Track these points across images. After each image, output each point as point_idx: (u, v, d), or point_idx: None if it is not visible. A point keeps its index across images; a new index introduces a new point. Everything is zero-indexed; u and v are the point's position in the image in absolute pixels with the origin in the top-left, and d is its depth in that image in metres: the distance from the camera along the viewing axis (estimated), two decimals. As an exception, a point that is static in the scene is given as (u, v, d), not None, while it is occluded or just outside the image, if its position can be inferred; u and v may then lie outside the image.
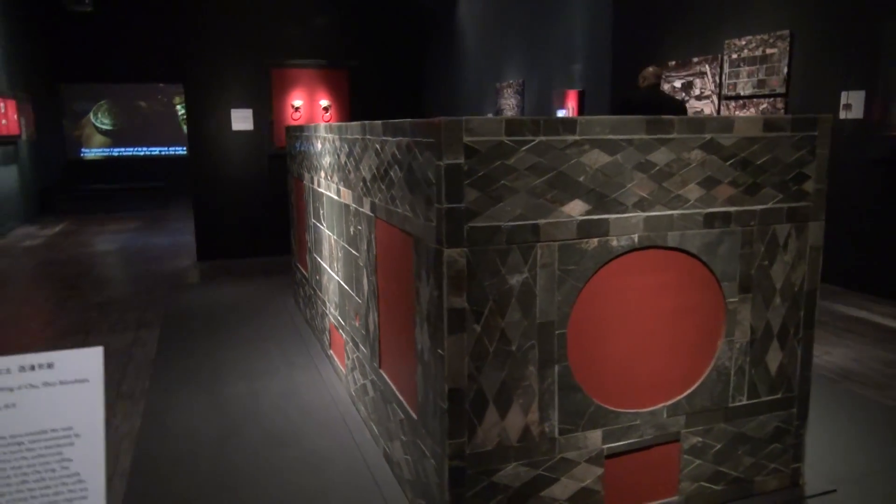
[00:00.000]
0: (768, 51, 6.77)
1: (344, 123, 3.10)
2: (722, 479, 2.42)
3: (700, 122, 2.17)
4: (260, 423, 3.11)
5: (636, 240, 2.15)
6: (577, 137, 2.03)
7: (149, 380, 3.76)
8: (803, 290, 2.41)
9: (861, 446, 2.86)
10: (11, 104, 9.65)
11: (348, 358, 3.32)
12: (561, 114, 10.16)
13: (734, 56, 7.19)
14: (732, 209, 2.26)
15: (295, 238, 5.03)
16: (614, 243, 2.13)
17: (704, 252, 2.25)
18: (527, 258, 2.03)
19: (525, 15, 11.23)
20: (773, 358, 2.41)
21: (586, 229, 2.09)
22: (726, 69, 7.30)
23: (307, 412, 3.22)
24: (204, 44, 7.24)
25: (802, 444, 2.52)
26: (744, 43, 7.04)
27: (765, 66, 6.83)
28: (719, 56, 7.37)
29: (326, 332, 3.87)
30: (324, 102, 7.82)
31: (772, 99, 6.73)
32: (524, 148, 1.98)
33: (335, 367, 3.70)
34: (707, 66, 7.59)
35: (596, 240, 2.10)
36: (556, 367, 2.12)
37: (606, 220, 2.11)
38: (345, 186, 3.10)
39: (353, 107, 7.88)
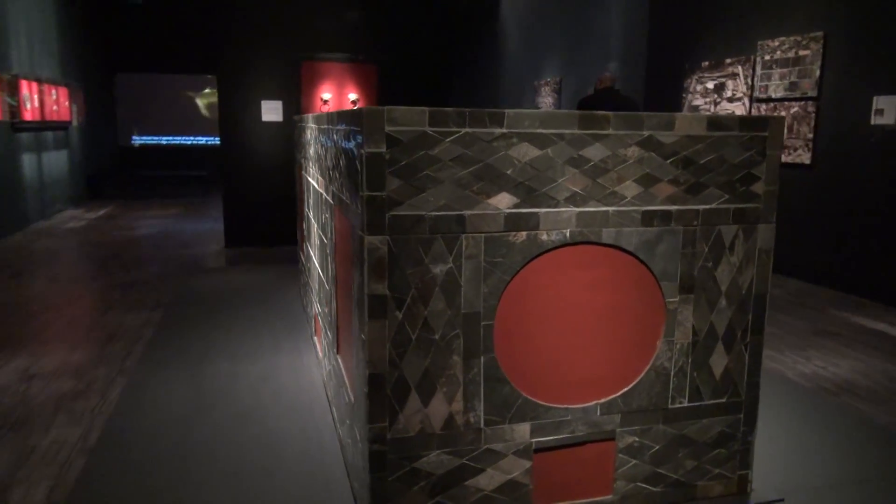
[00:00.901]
0: (801, 52, 6.57)
1: (325, 113, 3.17)
2: (661, 480, 2.39)
3: (638, 119, 2.15)
4: (231, 403, 3.22)
5: (568, 235, 2.15)
6: (504, 130, 2.04)
7: (137, 357, 3.93)
8: (752, 294, 2.36)
9: (826, 460, 2.78)
10: (64, 92, 10.11)
11: (322, 344, 3.40)
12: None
13: (767, 58, 6.99)
14: (673, 208, 2.23)
15: (298, 227, 5.16)
16: (544, 237, 2.13)
17: (642, 250, 2.23)
18: (451, 248, 2.05)
19: (564, 13, 11.14)
20: (718, 361, 2.37)
21: (514, 222, 2.10)
22: (759, 71, 7.10)
23: (279, 394, 3.31)
24: (237, 36, 7.44)
25: (750, 450, 2.47)
26: (777, 44, 6.84)
27: (797, 68, 6.62)
28: (752, 57, 7.17)
29: (312, 319, 3.97)
30: (352, 96, 7.94)
31: (802, 102, 6.52)
32: (449, 139, 2.00)
33: (316, 353, 3.79)
34: (739, 68, 7.40)
35: (525, 233, 2.11)
36: (482, 359, 2.14)
37: (536, 213, 2.11)
38: (320, 175, 3.18)
39: (380, 101, 7.98)
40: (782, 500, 2.45)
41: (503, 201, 2.08)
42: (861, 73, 5.92)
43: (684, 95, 8.29)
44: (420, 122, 1.98)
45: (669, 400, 2.34)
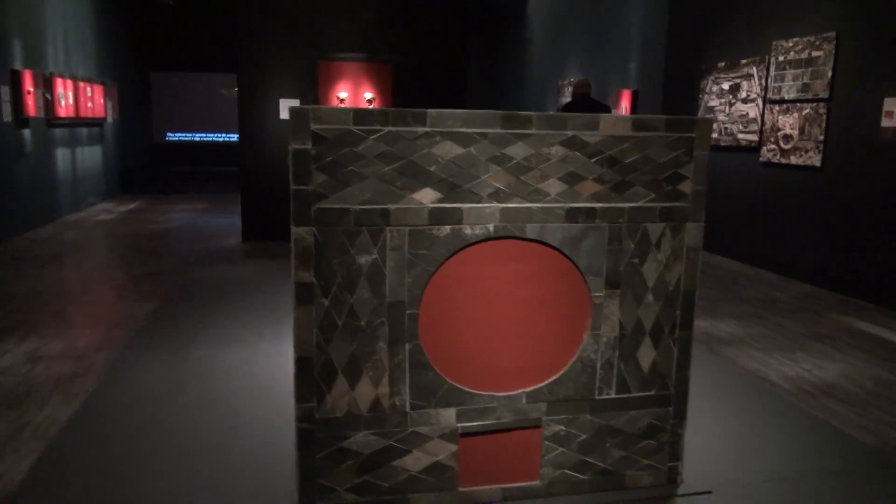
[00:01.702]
0: (814, 53, 6.49)
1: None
2: (588, 469, 2.47)
3: (562, 120, 2.24)
4: (204, 385, 3.40)
5: (492, 229, 2.25)
6: (427, 129, 2.16)
7: (126, 342, 4.15)
8: (679, 290, 2.42)
9: (768, 456, 2.82)
10: (99, 89, 10.54)
11: (296, 332, 3.56)
12: (614, 113, 10.04)
13: (781, 58, 6.92)
14: (598, 205, 2.31)
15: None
16: (468, 231, 2.24)
17: (567, 245, 2.31)
18: (376, 240, 2.18)
19: (588, 14, 11.14)
20: (646, 355, 2.44)
21: (438, 216, 2.21)
22: (772, 72, 7.03)
23: (251, 378, 3.48)
24: (256, 36, 7.68)
25: (680, 442, 2.53)
26: (791, 44, 6.77)
27: (810, 69, 6.55)
28: (766, 58, 7.10)
29: (295, 309, 4.14)
30: (368, 95, 8.11)
31: (814, 104, 6.44)
32: (372, 137, 2.13)
33: (296, 342, 3.95)
34: (754, 69, 7.33)
35: (448, 227, 2.22)
36: (407, 346, 2.25)
37: (459, 208, 2.22)
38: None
39: (395, 100, 8.13)
40: (710, 492, 2.51)
41: (427, 196, 2.19)
42: (872, 75, 5.84)
43: (700, 96, 8.24)
44: (345, 121, 2.10)
45: (596, 391, 2.42)
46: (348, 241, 2.16)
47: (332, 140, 2.10)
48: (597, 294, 2.36)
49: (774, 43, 7.00)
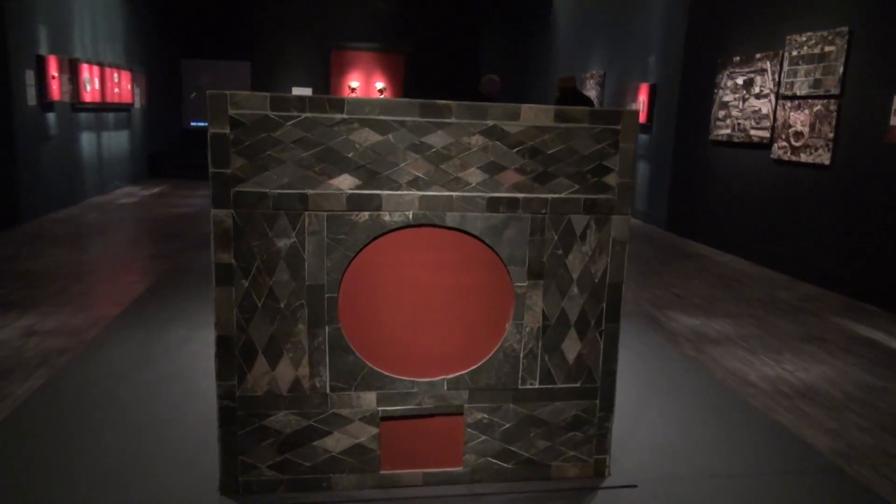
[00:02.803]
0: (827, 48, 6.32)
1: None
2: (512, 458, 2.49)
3: (482, 109, 2.25)
4: (166, 364, 3.51)
5: (411, 217, 2.28)
6: (345, 116, 2.19)
7: (111, 321, 4.30)
8: (605, 283, 2.42)
9: (708, 456, 2.79)
10: (126, 76, 10.83)
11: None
12: (631, 107, 9.92)
13: (794, 53, 6.75)
14: (520, 195, 2.32)
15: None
16: (387, 218, 2.27)
17: (488, 235, 2.33)
18: (294, 224, 2.23)
19: (611, 6, 11.00)
20: (571, 347, 2.45)
21: (356, 202, 2.25)
22: (785, 67, 6.86)
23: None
24: (270, 24, 7.81)
25: (607, 435, 2.53)
26: (804, 39, 6.60)
27: (822, 64, 6.38)
28: (780, 53, 6.94)
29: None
30: (379, 85, 8.19)
31: (825, 100, 6.27)
32: (290, 122, 2.17)
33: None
34: (768, 63, 7.17)
35: (367, 213, 2.26)
36: (327, 329, 2.30)
37: (378, 195, 2.25)
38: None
39: (407, 90, 8.19)
40: (635, 486, 2.51)
41: (345, 182, 2.23)
42: (884, 72, 5.66)
43: (715, 91, 8.09)
44: (262, 107, 2.16)
45: (519, 381, 2.44)
46: (267, 224, 2.22)
47: (249, 125, 2.16)
48: (519, 284, 2.37)
49: (788, 37, 6.83)
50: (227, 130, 2.15)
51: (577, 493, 2.46)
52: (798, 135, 6.70)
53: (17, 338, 4.19)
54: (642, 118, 9.58)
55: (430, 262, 2.33)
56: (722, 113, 7.99)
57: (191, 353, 3.69)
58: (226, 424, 2.32)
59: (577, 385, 2.48)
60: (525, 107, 2.27)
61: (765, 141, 7.18)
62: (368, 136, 2.22)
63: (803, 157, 6.56)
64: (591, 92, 11.37)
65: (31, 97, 7.84)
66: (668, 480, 2.55)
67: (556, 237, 2.36)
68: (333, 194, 2.23)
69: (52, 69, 8.21)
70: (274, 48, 7.70)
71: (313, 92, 8.10)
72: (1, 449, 2.63)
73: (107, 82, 9.90)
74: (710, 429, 3.02)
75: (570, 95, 7.23)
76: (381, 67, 8.15)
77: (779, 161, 6.95)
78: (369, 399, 2.37)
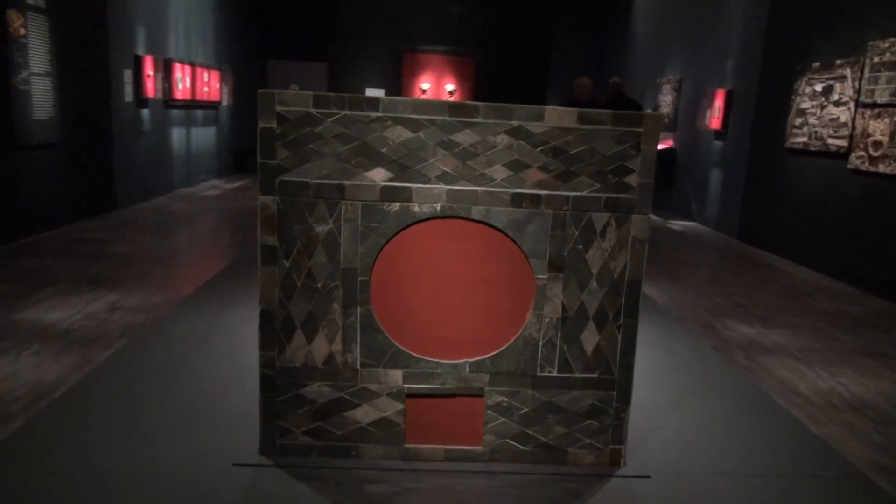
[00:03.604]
0: (910, 54, 6.09)
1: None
2: (530, 441, 2.63)
3: (508, 110, 2.40)
4: (230, 339, 3.82)
5: (438, 209, 2.46)
6: (380, 114, 2.39)
7: (183, 300, 4.67)
8: (624, 280, 2.52)
9: (731, 456, 2.83)
10: (216, 75, 11.49)
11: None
12: (706, 114, 9.76)
13: (876, 59, 6.52)
14: (542, 192, 2.45)
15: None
16: (416, 209, 2.45)
17: (511, 228, 2.47)
18: (332, 212, 2.44)
19: (689, 10, 10.84)
20: (589, 339, 2.56)
21: (389, 194, 2.44)
22: (867, 73, 6.64)
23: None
24: (346, 27, 8.16)
25: (623, 426, 2.63)
26: (887, 45, 6.37)
27: (904, 71, 6.15)
28: (861, 59, 6.71)
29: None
30: (449, 87, 8.39)
31: (905, 109, 6.05)
32: (330, 119, 2.39)
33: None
34: (848, 70, 6.95)
35: (398, 204, 2.45)
36: (359, 309, 2.51)
37: (409, 188, 2.44)
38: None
39: (477, 92, 8.37)
40: (649, 476, 2.59)
41: (379, 175, 2.43)
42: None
43: (793, 98, 7.88)
44: (305, 104, 2.38)
45: (538, 368, 2.57)
46: (307, 211, 2.44)
47: (294, 121, 2.39)
48: (540, 276, 2.51)
49: (871, 43, 6.60)
50: (275, 125, 2.38)
51: (591, 479, 2.57)
52: (877, 144, 6.47)
53: (104, 311, 4.61)
54: (717, 125, 9.41)
55: (456, 251, 2.50)
56: (799, 120, 7.78)
57: (249, 332, 3.98)
58: (266, 391, 2.56)
59: (595, 376, 2.58)
60: (549, 109, 2.40)
61: (842, 150, 6.95)
62: (401, 133, 2.40)
63: (882, 168, 6.33)
64: (668, 97, 11.23)
65: (128, 94, 8.48)
66: (683, 475, 2.62)
67: (576, 233, 2.48)
68: (368, 185, 2.43)
69: (148, 68, 8.85)
70: (349, 51, 8.04)
71: (386, 93, 8.40)
72: (76, 406, 2.98)
73: (197, 81, 10.54)
74: (737, 430, 3.05)
75: (618, 99, 7.28)
76: (451, 70, 8.36)
77: (856, 171, 6.72)
78: (396, 376, 2.56)
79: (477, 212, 2.46)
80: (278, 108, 2.37)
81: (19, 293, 4.87)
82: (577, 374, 2.58)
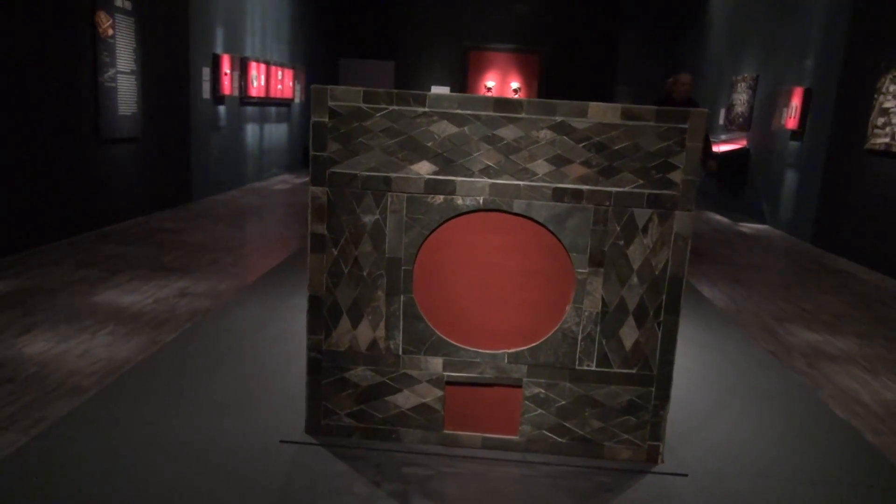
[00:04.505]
0: None
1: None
2: (566, 433, 2.66)
3: (551, 106, 2.44)
4: (286, 325, 3.98)
5: (481, 202, 2.52)
6: (426, 109, 2.47)
7: (247, 287, 4.88)
8: (666, 276, 2.52)
9: (774, 459, 2.78)
10: (289, 73, 11.87)
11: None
12: (782, 112, 9.43)
13: (964, 56, 6.18)
14: (584, 187, 2.48)
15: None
16: (459, 202, 2.52)
17: (552, 222, 2.51)
18: (378, 203, 2.54)
19: (766, 4, 10.49)
20: (629, 334, 2.57)
21: (433, 186, 2.52)
22: (954, 72, 6.30)
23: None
24: (412, 27, 8.30)
25: (662, 423, 2.62)
26: (976, 41, 6.02)
27: None
28: (946, 56, 6.37)
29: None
30: (514, 85, 8.41)
31: None
32: (379, 114, 2.49)
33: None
34: (933, 69, 6.60)
35: (442, 197, 2.52)
36: (402, 297, 2.60)
37: (453, 181, 2.51)
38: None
39: (541, 89, 8.36)
40: (686, 475, 2.58)
41: (424, 168, 2.51)
42: None
43: (876, 97, 7.53)
44: (356, 99, 2.48)
45: (577, 361, 2.60)
46: (355, 201, 2.54)
47: (345, 115, 2.49)
48: (580, 270, 2.53)
49: (959, 39, 6.25)
50: (326, 119, 2.50)
51: (626, 474, 2.58)
52: (962, 146, 6.13)
53: (173, 296, 4.88)
54: (794, 124, 9.09)
55: (498, 244, 2.55)
56: (881, 120, 7.44)
57: (304, 319, 4.14)
58: (313, 373, 2.68)
59: (634, 371, 2.59)
60: (593, 105, 2.42)
61: (924, 152, 6.62)
62: (446, 128, 2.48)
63: (965, 171, 6.00)
64: (742, 95, 10.90)
65: (206, 91, 8.88)
66: (722, 475, 2.60)
67: (618, 228, 2.50)
68: (413, 178, 2.51)
69: (225, 66, 9.23)
70: (416, 49, 8.17)
71: (451, 90, 8.50)
72: (142, 382, 3.19)
73: (271, 79, 10.92)
74: (783, 434, 2.99)
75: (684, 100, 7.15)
76: (516, 67, 8.38)
77: (938, 174, 6.39)
78: (436, 364, 2.63)
79: (518, 205, 2.51)
80: (330, 103, 2.48)
81: (100, 277, 5.21)
82: (615, 369, 2.59)
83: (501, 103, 2.45)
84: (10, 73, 5.52)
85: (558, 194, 2.49)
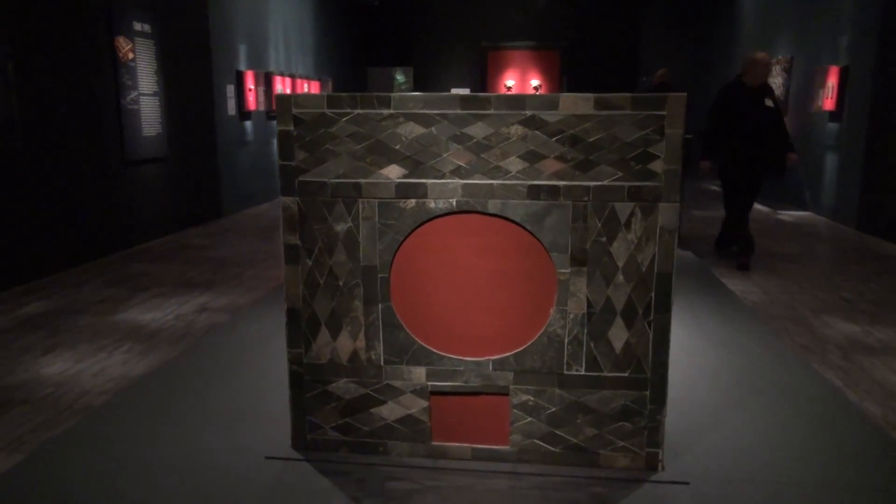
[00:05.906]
0: None
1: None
2: (559, 442, 2.53)
3: (520, 100, 2.33)
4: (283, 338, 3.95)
5: (455, 204, 2.42)
6: (391, 111, 2.39)
7: (261, 300, 4.88)
8: (653, 272, 2.37)
9: (786, 464, 2.60)
10: (315, 85, 11.96)
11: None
12: (819, 93, 9.04)
13: None
14: (561, 183, 2.36)
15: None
16: (432, 205, 2.43)
17: (529, 221, 2.40)
18: (350, 210, 2.47)
19: (798, -16, 10.09)
20: (618, 336, 2.43)
21: (404, 191, 2.43)
22: None
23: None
24: (429, 31, 8.24)
25: (659, 429, 2.48)
26: None
27: None
28: None
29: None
30: (534, 82, 8.26)
31: None
32: (344, 119, 2.42)
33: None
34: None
35: (414, 200, 2.43)
36: (380, 306, 2.52)
37: (424, 184, 2.42)
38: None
39: (562, 86, 8.19)
40: (687, 483, 2.43)
41: (393, 172, 2.43)
42: None
43: (916, 72, 7.14)
44: (319, 105, 2.42)
45: (565, 366, 2.47)
46: (326, 210, 2.48)
47: (309, 122, 2.43)
48: (562, 271, 2.41)
49: None
50: (291, 127, 2.44)
51: (622, 483, 2.44)
52: None
53: (193, 312, 4.91)
54: (831, 105, 8.69)
55: (475, 246, 2.45)
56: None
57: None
58: (295, 387, 2.62)
59: (626, 374, 2.45)
60: (564, 96, 2.31)
61: (970, 126, 6.22)
62: (413, 129, 2.39)
63: None
64: (777, 78, 10.50)
65: (232, 108, 8.99)
66: (727, 482, 2.43)
67: (599, 225, 2.37)
68: (383, 183, 2.44)
69: (249, 82, 9.34)
70: (434, 52, 8.11)
71: (471, 91, 8.40)
72: (135, 399, 3.19)
73: (297, 92, 11.02)
74: (800, 437, 2.79)
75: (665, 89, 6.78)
76: (536, 65, 8.23)
77: None
78: (419, 373, 2.55)
79: (493, 205, 2.41)
80: (294, 110, 2.43)
81: (123, 296, 5.29)
82: (606, 373, 2.46)
83: (468, 101, 2.35)
84: (36, 101, 5.67)
85: (534, 192, 2.38)
